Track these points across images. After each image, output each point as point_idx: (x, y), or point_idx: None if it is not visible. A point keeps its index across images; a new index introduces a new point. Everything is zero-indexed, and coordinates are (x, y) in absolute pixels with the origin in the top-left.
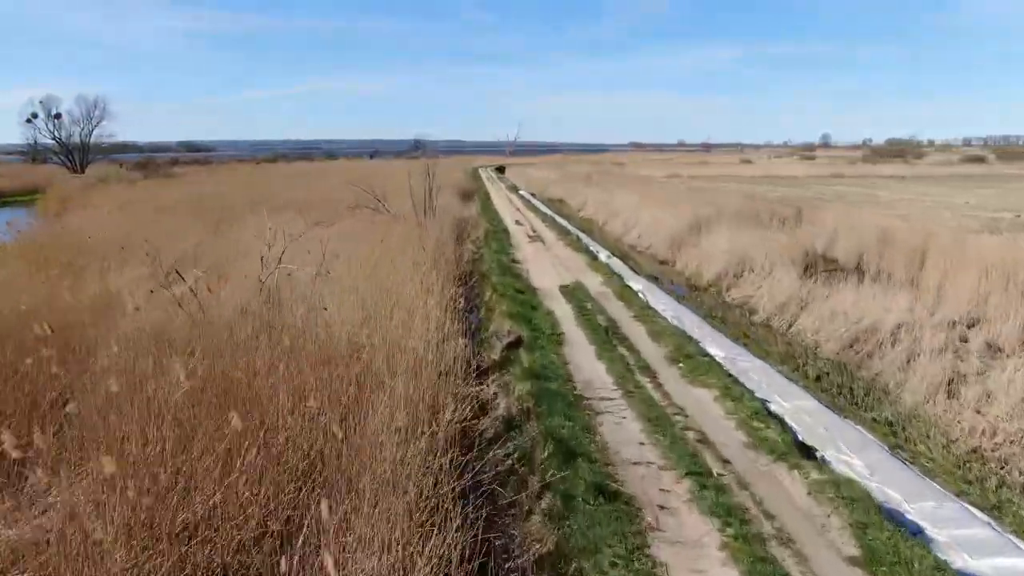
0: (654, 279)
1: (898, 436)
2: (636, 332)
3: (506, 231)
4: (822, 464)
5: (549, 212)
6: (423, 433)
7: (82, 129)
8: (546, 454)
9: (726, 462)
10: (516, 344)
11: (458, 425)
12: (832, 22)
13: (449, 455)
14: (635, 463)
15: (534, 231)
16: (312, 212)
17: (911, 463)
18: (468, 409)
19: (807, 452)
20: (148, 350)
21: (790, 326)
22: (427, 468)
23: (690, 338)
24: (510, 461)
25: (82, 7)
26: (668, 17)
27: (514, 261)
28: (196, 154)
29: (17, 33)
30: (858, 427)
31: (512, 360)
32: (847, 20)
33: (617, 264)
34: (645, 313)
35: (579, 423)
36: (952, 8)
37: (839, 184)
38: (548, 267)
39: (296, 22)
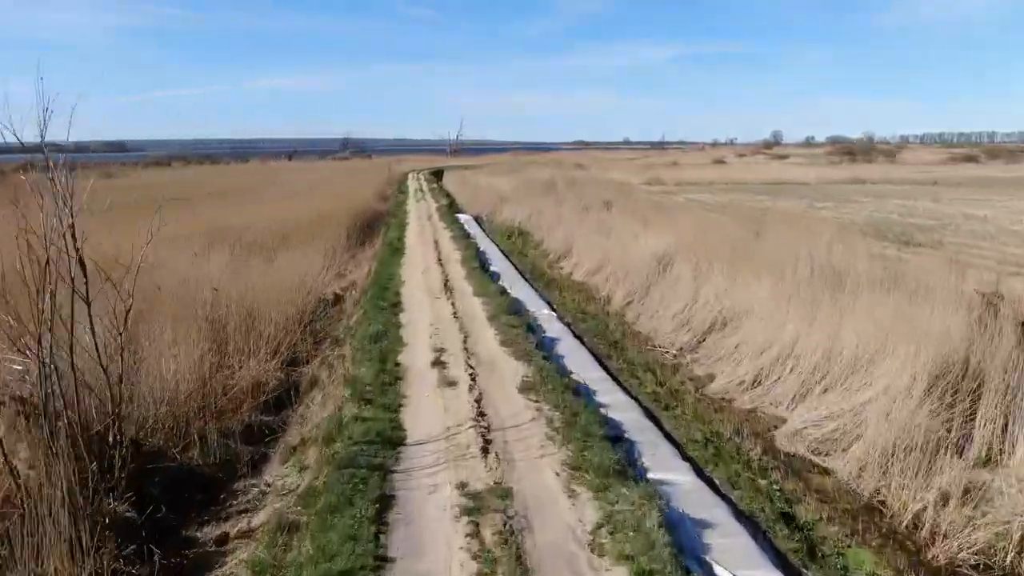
0: None
1: None
2: None
3: (398, 433)
4: None
5: (513, 277)
6: None
7: None
8: None
9: None
10: None
11: None
12: (777, 23)
13: None
14: None
15: (487, 434)
16: None
17: None
18: None
19: None
20: None
21: None
22: None
23: None
24: None
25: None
26: (607, 16)
27: None
28: (69, 155)
29: None
30: None
31: None
32: (787, 21)
33: None
34: None
35: None
36: (881, 9)
37: (889, 194)
38: None
39: (236, 18)
